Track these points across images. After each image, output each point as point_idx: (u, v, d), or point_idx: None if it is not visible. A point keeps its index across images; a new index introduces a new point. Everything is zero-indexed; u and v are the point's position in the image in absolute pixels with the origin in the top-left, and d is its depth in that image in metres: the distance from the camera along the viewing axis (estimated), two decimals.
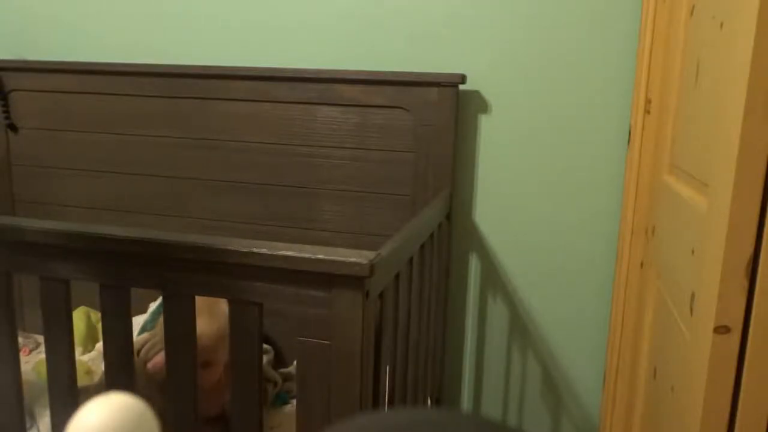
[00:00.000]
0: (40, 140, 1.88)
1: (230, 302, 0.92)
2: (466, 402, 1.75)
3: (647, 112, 1.37)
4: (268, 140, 1.70)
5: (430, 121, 1.57)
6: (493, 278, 1.67)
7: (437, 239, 1.46)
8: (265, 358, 1.59)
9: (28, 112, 1.88)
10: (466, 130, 1.62)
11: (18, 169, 1.91)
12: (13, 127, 1.89)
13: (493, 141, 1.61)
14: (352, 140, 1.64)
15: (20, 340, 1.23)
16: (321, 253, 0.85)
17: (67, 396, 1.02)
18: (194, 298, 0.94)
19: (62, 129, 1.86)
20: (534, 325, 1.66)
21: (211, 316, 1.21)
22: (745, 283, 0.73)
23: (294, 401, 1.52)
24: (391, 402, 1.09)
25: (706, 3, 0.98)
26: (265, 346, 1.65)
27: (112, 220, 1.86)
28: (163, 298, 0.95)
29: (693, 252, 0.91)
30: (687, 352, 0.89)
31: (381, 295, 0.96)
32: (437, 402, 1.68)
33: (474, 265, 1.68)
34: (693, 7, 1.08)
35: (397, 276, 1.06)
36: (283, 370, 1.65)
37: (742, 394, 0.75)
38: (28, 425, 1.36)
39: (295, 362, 1.65)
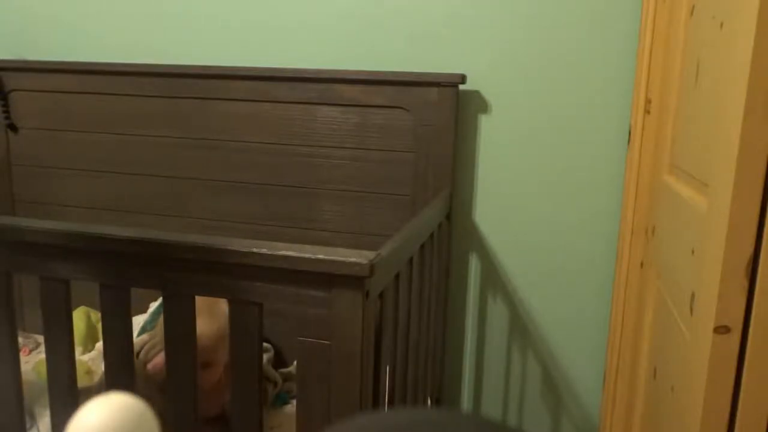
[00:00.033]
0: (40, 140, 1.88)
1: (230, 302, 0.92)
2: (466, 402, 1.75)
3: (647, 112, 1.37)
4: (268, 140, 1.70)
5: (430, 121, 1.57)
6: (493, 278, 1.67)
7: (437, 239, 1.46)
8: (265, 357, 1.59)
9: (28, 112, 1.88)
10: (466, 130, 1.62)
11: (18, 169, 1.91)
12: (13, 127, 1.89)
13: (493, 141, 1.61)
14: (352, 140, 1.64)
15: (20, 340, 1.23)
16: (321, 253, 0.85)
17: (67, 396, 1.02)
18: (194, 298, 0.94)
19: (62, 129, 1.86)
20: (534, 325, 1.66)
21: (211, 316, 1.21)
22: (745, 283, 0.73)
23: (294, 401, 1.52)
24: (391, 402, 1.09)
25: (706, 3, 0.98)
26: (265, 344, 1.65)
27: (112, 220, 1.86)
28: (163, 298, 0.95)
29: (693, 252, 0.91)
30: (687, 352, 0.89)
31: (381, 295, 0.96)
32: (437, 402, 1.68)
33: (474, 265, 1.68)
34: (693, 7, 1.08)
35: (397, 276, 1.06)
36: (283, 370, 1.66)
37: (742, 394, 0.75)
38: (28, 425, 1.36)
39: (295, 362, 1.65)
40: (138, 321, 1.56)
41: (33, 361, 1.65)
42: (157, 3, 1.78)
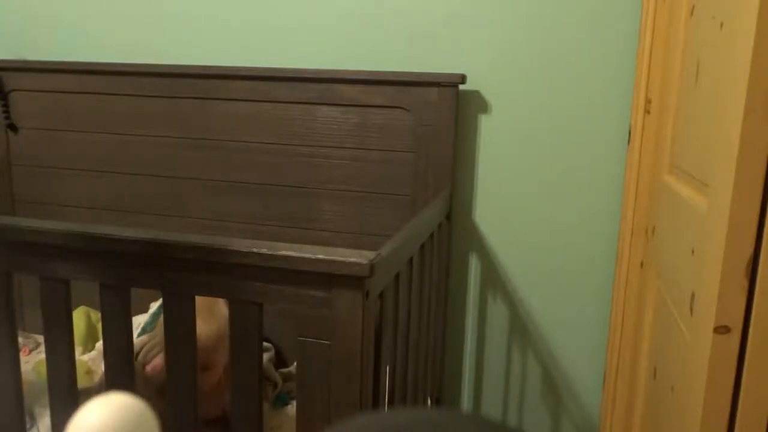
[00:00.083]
0: (40, 140, 1.88)
1: (230, 302, 0.92)
2: (466, 402, 1.75)
3: (647, 112, 1.37)
4: (268, 140, 1.70)
5: (430, 121, 1.57)
6: (493, 278, 1.67)
7: (437, 239, 1.46)
8: (266, 357, 1.59)
9: (28, 112, 1.88)
10: (466, 130, 1.62)
11: (18, 169, 1.91)
12: (13, 127, 1.89)
13: (493, 141, 1.61)
14: (352, 140, 1.64)
15: (20, 340, 1.23)
16: (321, 253, 0.85)
17: (67, 396, 1.02)
18: (194, 298, 0.94)
19: (62, 129, 1.86)
20: (534, 325, 1.66)
21: (210, 317, 1.21)
22: (745, 283, 0.73)
23: (294, 401, 1.52)
24: (391, 402, 1.09)
25: (706, 3, 0.98)
26: (265, 344, 1.65)
27: (112, 220, 1.86)
28: (163, 298, 0.95)
29: (693, 252, 0.91)
30: (687, 352, 0.89)
31: (381, 295, 0.96)
32: (437, 402, 1.68)
33: (474, 265, 1.68)
34: (693, 7, 1.08)
35: (397, 276, 1.06)
36: (283, 370, 1.66)
37: (742, 394, 0.75)
38: (28, 425, 1.36)
39: (295, 362, 1.65)
40: (138, 321, 1.56)
41: (33, 361, 1.65)
42: (157, 3, 1.78)
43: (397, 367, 1.12)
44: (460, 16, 1.58)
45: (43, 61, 1.83)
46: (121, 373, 0.99)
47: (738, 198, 0.73)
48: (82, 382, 1.32)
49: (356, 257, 0.84)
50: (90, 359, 1.61)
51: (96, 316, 1.80)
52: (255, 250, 0.87)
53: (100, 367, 1.52)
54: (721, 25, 0.86)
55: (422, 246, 1.27)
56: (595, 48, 1.52)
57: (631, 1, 1.48)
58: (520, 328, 1.67)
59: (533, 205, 1.61)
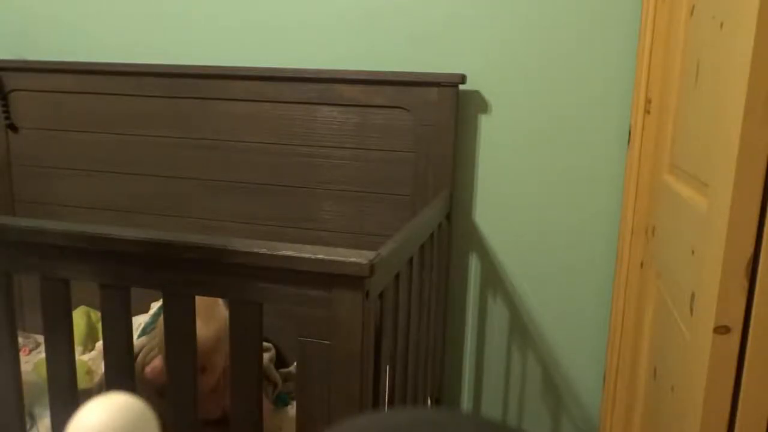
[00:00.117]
0: (40, 140, 1.88)
1: (230, 302, 0.92)
2: (466, 402, 1.75)
3: (647, 112, 1.37)
4: (268, 140, 1.70)
5: (430, 121, 1.57)
6: (493, 278, 1.67)
7: (437, 239, 1.46)
8: (266, 356, 1.59)
9: (28, 112, 1.88)
10: (466, 130, 1.62)
11: (18, 169, 1.91)
12: (13, 127, 1.89)
13: (493, 141, 1.61)
14: (352, 140, 1.64)
15: (20, 340, 1.23)
16: (321, 253, 0.85)
17: (67, 396, 1.02)
18: (194, 298, 0.94)
19: (62, 129, 1.86)
20: (534, 325, 1.66)
21: (209, 319, 1.21)
22: (745, 283, 0.73)
23: (294, 401, 1.52)
24: (391, 402, 1.09)
25: (706, 3, 0.98)
26: (266, 344, 1.65)
27: (112, 220, 1.86)
28: (163, 298, 0.95)
29: (693, 252, 0.91)
30: (687, 352, 0.89)
31: (381, 295, 0.96)
32: (437, 402, 1.68)
33: (474, 265, 1.68)
34: (693, 7, 1.08)
35: (397, 276, 1.06)
36: (283, 370, 1.66)
37: (742, 394, 0.75)
38: (28, 426, 1.36)
39: (295, 362, 1.65)
40: (138, 321, 1.56)
41: (33, 361, 1.65)
42: (157, 3, 1.78)
43: (397, 367, 1.12)
44: (460, 16, 1.58)
45: (43, 61, 1.83)
46: (121, 373, 0.99)
47: (738, 198, 0.73)
48: (82, 382, 1.32)
49: (356, 257, 0.84)
50: (90, 359, 1.61)
51: (96, 315, 1.80)
52: (255, 250, 0.87)
53: (101, 367, 1.52)
54: (721, 25, 0.86)
55: (422, 246, 1.27)
56: (595, 48, 1.52)
57: (631, 1, 1.48)
58: (520, 328, 1.67)
59: (533, 205, 1.61)
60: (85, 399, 0.37)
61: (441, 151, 1.57)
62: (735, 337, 0.75)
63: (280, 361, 1.72)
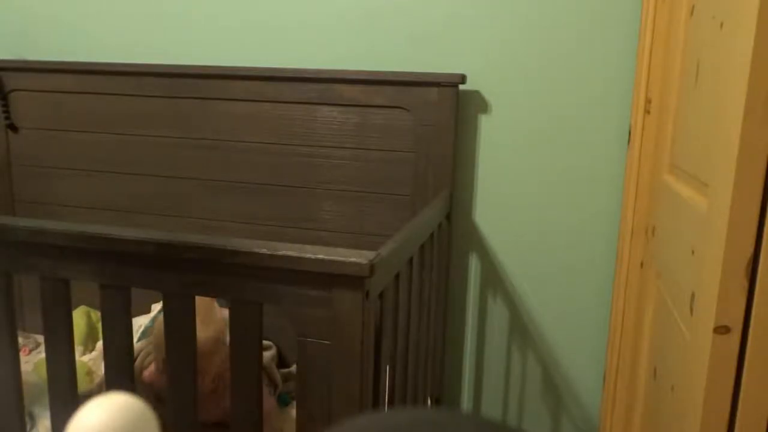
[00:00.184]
0: (40, 140, 1.88)
1: (230, 302, 0.92)
2: (466, 402, 1.75)
3: (647, 112, 1.37)
4: (268, 140, 1.70)
5: (430, 121, 1.57)
6: (493, 278, 1.67)
7: (437, 239, 1.46)
8: (268, 355, 1.59)
9: (28, 112, 1.88)
10: (466, 130, 1.62)
11: (18, 169, 1.91)
12: (13, 127, 1.89)
13: (493, 141, 1.61)
14: (352, 140, 1.64)
15: (20, 340, 1.23)
16: (321, 253, 0.85)
17: (67, 396, 1.02)
18: (194, 298, 0.94)
19: (62, 129, 1.86)
20: (534, 325, 1.66)
21: (206, 323, 1.21)
22: (745, 283, 0.73)
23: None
24: (391, 402, 1.09)
25: (706, 3, 0.98)
26: (267, 342, 1.65)
27: (112, 220, 1.86)
28: (163, 298, 0.95)
29: (693, 252, 0.91)
30: (687, 352, 0.89)
31: (381, 295, 0.96)
32: (437, 402, 1.68)
33: (474, 265, 1.68)
34: (693, 7, 1.08)
35: (397, 276, 1.06)
36: (283, 370, 1.66)
37: (742, 394, 0.75)
38: (28, 426, 1.36)
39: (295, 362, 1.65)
40: (139, 323, 1.56)
41: (33, 361, 1.65)
42: (157, 3, 1.78)
43: (397, 367, 1.12)
44: (460, 16, 1.58)
45: (43, 61, 1.83)
46: (121, 374, 0.99)
47: (738, 198, 0.73)
48: (82, 383, 1.32)
49: (356, 257, 0.84)
50: (90, 360, 1.61)
51: (96, 315, 1.80)
52: (255, 250, 0.87)
53: (101, 368, 1.52)
54: (721, 25, 0.86)
55: (422, 246, 1.27)
56: (595, 48, 1.52)
57: (631, 1, 1.48)
58: (520, 328, 1.67)
59: (533, 205, 1.61)
60: (86, 402, 0.37)
61: (441, 151, 1.57)
62: (735, 337, 0.75)
63: (281, 362, 1.72)
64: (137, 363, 1.25)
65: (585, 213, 1.59)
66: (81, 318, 1.76)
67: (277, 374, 1.58)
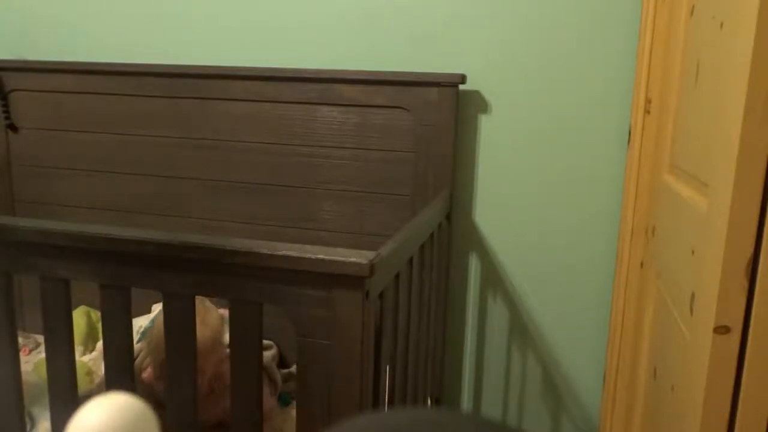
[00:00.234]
0: (40, 140, 1.88)
1: (230, 302, 0.92)
2: (466, 402, 1.75)
3: (647, 112, 1.37)
4: (268, 140, 1.70)
5: (430, 121, 1.57)
6: (493, 278, 1.67)
7: (437, 239, 1.46)
8: (269, 354, 1.59)
9: (28, 112, 1.88)
10: (466, 130, 1.62)
11: (18, 169, 1.91)
12: (13, 127, 1.89)
13: (493, 141, 1.61)
14: (352, 140, 1.64)
15: (20, 340, 1.23)
16: (321, 253, 0.85)
17: (67, 397, 1.02)
18: (194, 298, 0.94)
19: (62, 129, 1.86)
20: (534, 325, 1.66)
21: (202, 323, 1.21)
22: (745, 283, 0.73)
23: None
24: (391, 402, 1.09)
25: (706, 3, 0.98)
26: (268, 342, 1.64)
27: (112, 220, 1.86)
28: (163, 298, 0.95)
29: (693, 252, 0.91)
30: (687, 352, 0.89)
31: (381, 295, 0.96)
32: (437, 402, 1.68)
33: (474, 265, 1.68)
34: (693, 7, 1.08)
35: (397, 276, 1.06)
36: (284, 370, 1.66)
37: (742, 394, 0.75)
38: (28, 427, 1.36)
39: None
40: (139, 324, 1.56)
41: (33, 361, 1.65)
42: (157, 3, 1.78)
43: (397, 367, 1.12)
44: (460, 16, 1.58)
45: (43, 61, 1.83)
46: (121, 374, 0.99)
47: (738, 198, 0.73)
48: (82, 383, 1.32)
49: (356, 257, 0.84)
50: (90, 360, 1.61)
51: (96, 315, 1.80)
52: (255, 250, 0.87)
53: (101, 369, 1.52)
54: (721, 25, 0.86)
55: (422, 246, 1.27)
56: (595, 48, 1.52)
57: (631, 1, 1.48)
58: (520, 328, 1.67)
59: (533, 205, 1.61)
60: (86, 402, 0.37)
61: (441, 151, 1.57)
62: (735, 337, 0.75)
63: (281, 361, 1.72)
64: (136, 363, 1.25)
65: (585, 213, 1.59)
66: (81, 318, 1.76)
67: (278, 374, 1.58)
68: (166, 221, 1.81)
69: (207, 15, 1.75)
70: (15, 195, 1.93)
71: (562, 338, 1.65)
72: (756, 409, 0.74)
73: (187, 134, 1.76)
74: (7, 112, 1.87)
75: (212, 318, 1.25)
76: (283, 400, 1.58)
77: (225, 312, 1.56)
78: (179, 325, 0.95)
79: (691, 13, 1.09)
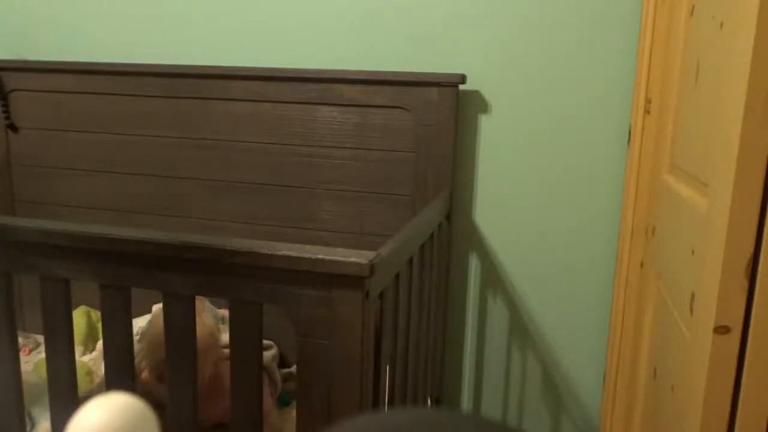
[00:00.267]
0: (40, 140, 1.88)
1: (230, 302, 0.92)
2: (466, 402, 1.75)
3: (647, 112, 1.37)
4: (268, 140, 1.70)
5: (430, 121, 1.57)
6: (493, 278, 1.67)
7: (437, 239, 1.46)
8: (270, 354, 1.59)
9: (28, 112, 1.88)
10: (466, 130, 1.62)
11: (18, 169, 1.91)
12: (13, 127, 1.89)
13: (493, 141, 1.61)
14: (352, 140, 1.64)
15: (20, 340, 1.23)
16: (321, 253, 0.85)
17: (67, 396, 1.02)
18: (194, 298, 0.94)
19: (62, 129, 1.86)
20: (534, 325, 1.66)
21: (199, 324, 1.20)
22: (745, 283, 0.73)
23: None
24: (391, 402, 1.09)
25: (706, 3, 0.98)
26: (268, 342, 1.64)
27: (112, 220, 1.86)
28: (163, 298, 0.95)
29: (693, 252, 0.91)
30: (687, 352, 0.89)
31: (381, 295, 0.96)
32: (437, 402, 1.68)
33: (474, 265, 1.68)
34: (693, 7, 1.08)
35: (397, 276, 1.06)
36: (284, 370, 1.65)
37: (742, 394, 0.75)
38: (28, 427, 1.36)
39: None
40: (139, 324, 1.56)
41: (33, 361, 1.65)
42: (157, 3, 1.78)
43: (397, 367, 1.12)
44: (460, 16, 1.58)
45: (43, 61, 1.83)
46: (121, 374, 0.99)
47: (738, 198, 0.73)
48: (82, 384, 1.32)
49: (356, 257, 0.84)
50: (90, 360, 1.61)
51: (96, 315, 1.80)
52: (255, 250, 0.87)
53: (101, 368, 1.52)
54: (721, 25, 0.86)
55: (422, 246, 1.27)
56: (595, 48, 1.52)
57: (631, 1, 1.48)
58: (520, 328, 1.67)
59: (533, 205, 1.61)
60: (86, 402, 0.37)
61: (441, 151, 1.57)
62: (735, 337, 0.75)
63: (281, 361, 1.72)
64: (135, 364, 1.25)
65: (585, 213, 1.59)
66: (81, 318, 1.76)
67: (278, 374, 1.57)
68: (166, 221, 1.81)
69: (207, 15, 1.75)
70: (15, 195, 1.93)
71: (562, 338, 1.65)
72: (756, 409, 0.74)
73: (187, 134, 1.76)
74: (7, 112, 1.87)
75: (208, 318, 1.25)
76: (283, 400, 1.58)
77: (225, 312, 1.56)
78: (179, 326, 0.95)
79: (691, 13, 1.09)
